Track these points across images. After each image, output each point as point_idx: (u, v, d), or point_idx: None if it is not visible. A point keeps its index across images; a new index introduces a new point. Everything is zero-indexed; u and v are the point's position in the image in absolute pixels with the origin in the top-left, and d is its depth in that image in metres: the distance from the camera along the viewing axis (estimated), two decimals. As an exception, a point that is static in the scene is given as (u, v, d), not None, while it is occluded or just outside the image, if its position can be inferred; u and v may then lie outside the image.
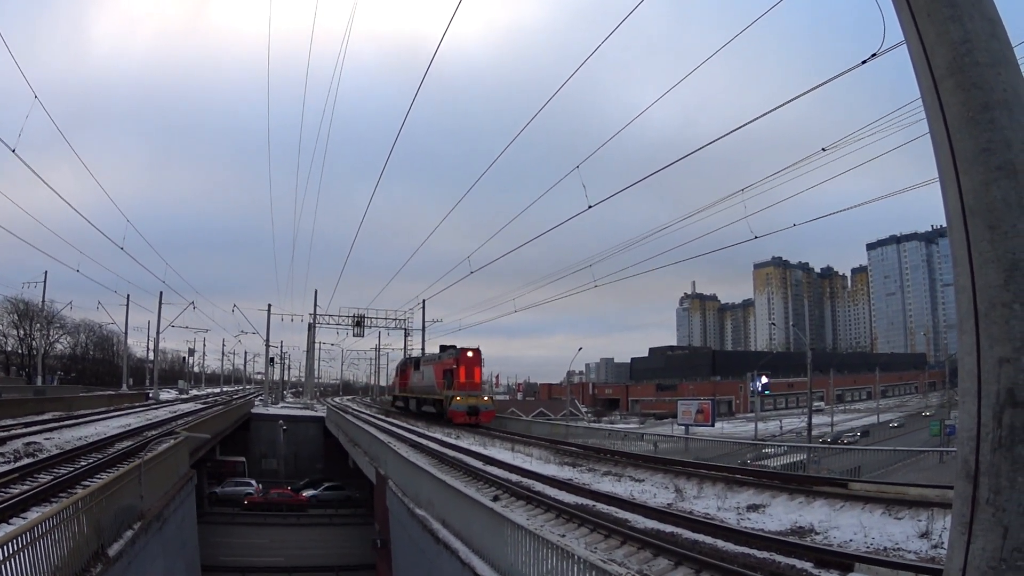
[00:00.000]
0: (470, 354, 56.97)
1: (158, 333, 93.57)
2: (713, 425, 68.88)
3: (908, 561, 13.54)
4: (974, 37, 2.80)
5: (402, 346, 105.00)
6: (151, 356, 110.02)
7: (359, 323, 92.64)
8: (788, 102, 19.46)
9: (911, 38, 2.94)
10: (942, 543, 14.35)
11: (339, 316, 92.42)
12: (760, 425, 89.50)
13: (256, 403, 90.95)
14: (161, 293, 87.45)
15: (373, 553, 37.98)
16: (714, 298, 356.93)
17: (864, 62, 16.56)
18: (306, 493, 62.21)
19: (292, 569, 45.77)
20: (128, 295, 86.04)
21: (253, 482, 61.34)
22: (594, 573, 10.79)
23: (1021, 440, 2.57)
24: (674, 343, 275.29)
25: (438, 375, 59.92)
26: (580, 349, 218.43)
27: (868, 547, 15.25)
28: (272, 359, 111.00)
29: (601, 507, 20.82)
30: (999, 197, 2.60)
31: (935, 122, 2.83)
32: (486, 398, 58.51)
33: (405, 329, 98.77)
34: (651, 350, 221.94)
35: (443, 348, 64.12)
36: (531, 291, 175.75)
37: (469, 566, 16.47)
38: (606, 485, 24.86)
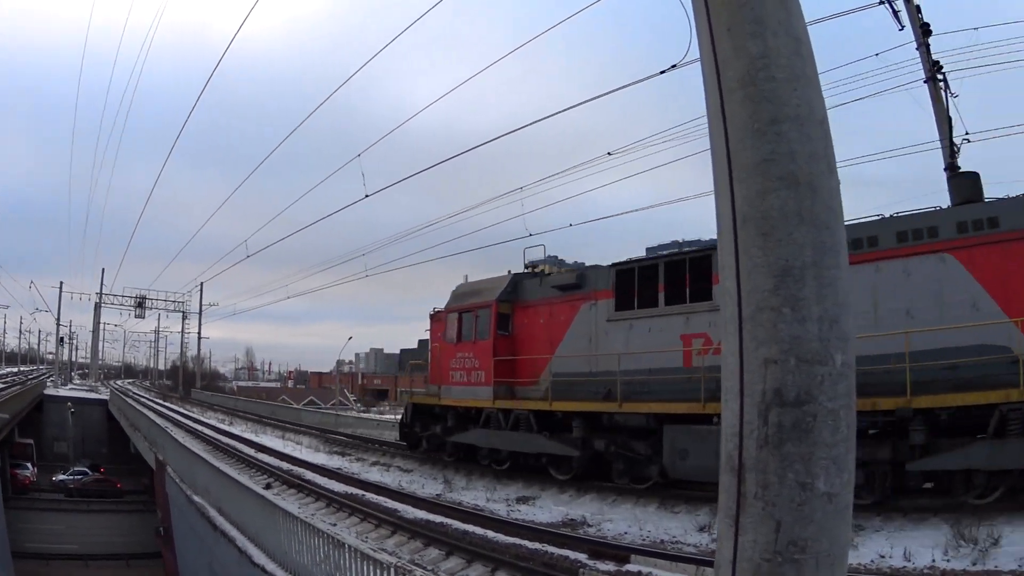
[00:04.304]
0: None
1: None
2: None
3: (687, 554, 13.91)
4: (774, 53, 2.84)
5: (179, 329, 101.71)
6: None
7: (140, 304, 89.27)
8: (574, 106, 20.03)
9: (705, 51, 3.03)
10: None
11: (123, 296, 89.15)
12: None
13: (48, 384, 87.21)
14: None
15: (157, 541, 37.15)
16: None
17: (663, 72, 17.23)
18: None
19: (87, 557, 44.01)
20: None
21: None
22: (367, 562, 10.79)
23: (790, 438, 2.67)
24: None
25: None
26: (350, 338, 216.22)
27: (644, 540, 15.73)
28: (62, 339, 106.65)
29: (371, 497, 21.06)
30: (776, 206, 2.70)
31: (716, 132, 2.88)
32: None
33: (183, 312, 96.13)
34: (420, 342, 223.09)
35: None
36: (304, 278, 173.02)
37: (247, 554, 16.10)
38: (375, 475, 25.57)
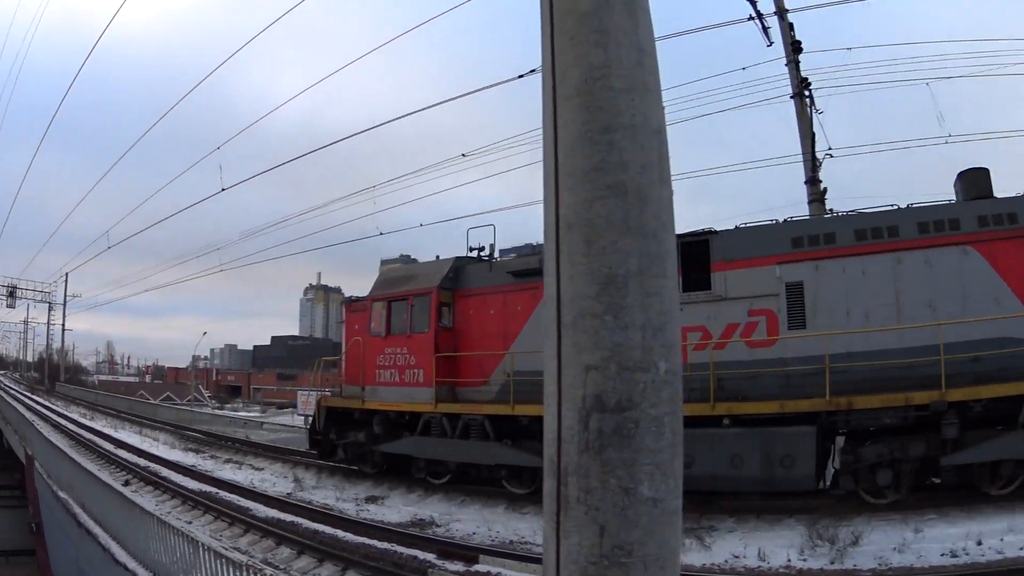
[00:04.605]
0: None
1: None
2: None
3: (535, 554, 14.04)
4: (615, 63, 2.84)
5: (46, 320, 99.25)
6: None
7: (12, 293, 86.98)
8: (431, 106, 20.13)
9: (546, 59, 3.00)
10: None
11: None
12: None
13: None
14: None
15: (30, 538, 36.47)
16: (339, 291, 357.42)
17: (521, 76, 17.41)
18: None
19: None
20: None
21: None
22: (220, 561, 10.65)
23: (610, 444, 2.67)
24: (297, 333, 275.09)
25: None
26: (205, 334, 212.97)
27: (493, 540, 15.93)
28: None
29: (224, 495, 21.11)
30: (603, 214, 2.71)
31: (548, 139, 2.91)
32: None
33: (49, 303, 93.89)
34: (273, 338, 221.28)
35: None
36: (162, 271, 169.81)
37: (109, 551, 15.74)
38: (228, 473, 25.52)
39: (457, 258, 22.69)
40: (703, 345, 17.49)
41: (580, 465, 2.74)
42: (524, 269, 20.70)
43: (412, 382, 21.52)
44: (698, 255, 17.83)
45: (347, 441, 23.35)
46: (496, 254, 22.93)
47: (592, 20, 2.97)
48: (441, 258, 23.06)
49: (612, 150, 2.82)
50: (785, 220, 17.72)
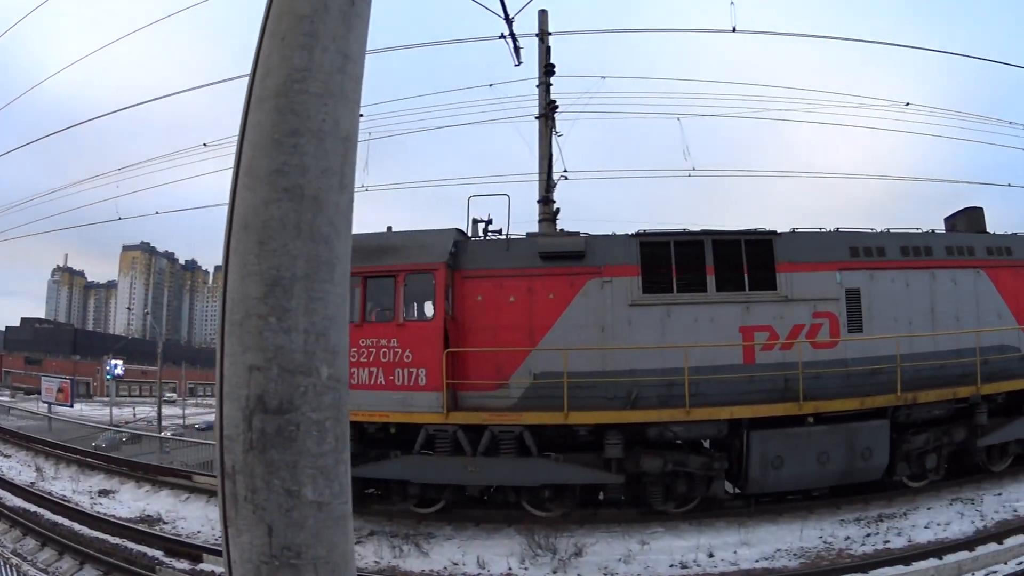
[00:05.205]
0: None
1: None
2: (72, 405, 65.34)
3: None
4: (317, 68, 2.82)
5: None
6: None
7: None
8: (180, 92, 19.74)
9: (255, 58, 2.95)
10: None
11: None
12: (115, 410, 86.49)
13: None
14: None
15: None
16: (83, 274, 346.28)
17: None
18: None
19: None
20: None
21: None
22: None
23: (273, 445, 2.66)
24: (44, 315, 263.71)
25: None
26: None
27: (216, 539, 15.65)
28: None
29: None
30: (277, 216, 2.69)
31: (239, 138, 2.88)
32: None
33: None
34: (23, 320, 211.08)
35: None
36: None
37: None
38: None
39: (459, 231, 18.74)
40: (771, 345, 17.25)
41: (246, 464, 2.72)
42: (561, 251, 17.76)
43: (407, 384, 16.80)
44: (762, 254, 17.64)
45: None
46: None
47: (305, 23, 2.94)
48: (394, 230, 19.05)
49: (295, 154, 2.81)
50: (837, 229, 18.59)
